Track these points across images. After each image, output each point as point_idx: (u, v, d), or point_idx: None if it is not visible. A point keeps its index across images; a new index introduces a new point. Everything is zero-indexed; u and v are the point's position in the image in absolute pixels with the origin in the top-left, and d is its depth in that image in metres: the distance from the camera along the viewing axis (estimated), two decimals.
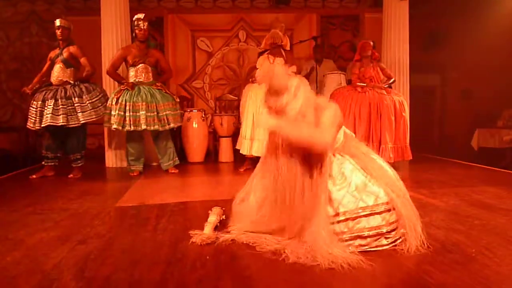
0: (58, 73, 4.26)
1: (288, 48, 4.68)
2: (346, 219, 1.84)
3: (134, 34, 4.47)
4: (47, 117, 4.02)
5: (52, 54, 4.37)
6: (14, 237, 2.18)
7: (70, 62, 4.29)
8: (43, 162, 4.36)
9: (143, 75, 4.44)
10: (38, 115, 4.08)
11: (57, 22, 4.28)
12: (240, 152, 4.53)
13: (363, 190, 1.87)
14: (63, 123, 4.04)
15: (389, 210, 1.85)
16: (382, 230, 1.84)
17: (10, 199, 3.20)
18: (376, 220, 1.83)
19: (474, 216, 2.47)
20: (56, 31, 4.27)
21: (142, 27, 4.37)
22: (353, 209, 1.84)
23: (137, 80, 4.42)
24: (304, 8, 7.01)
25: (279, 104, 1.86)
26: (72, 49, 4.31)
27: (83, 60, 4.31)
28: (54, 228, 2.36)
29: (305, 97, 1.89)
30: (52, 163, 4.35)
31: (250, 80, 4.75)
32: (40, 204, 3.00)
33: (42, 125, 4.05)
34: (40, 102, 4.10)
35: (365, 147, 2.12)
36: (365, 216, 1.83)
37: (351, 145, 2.07)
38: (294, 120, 1.84)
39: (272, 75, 1.90)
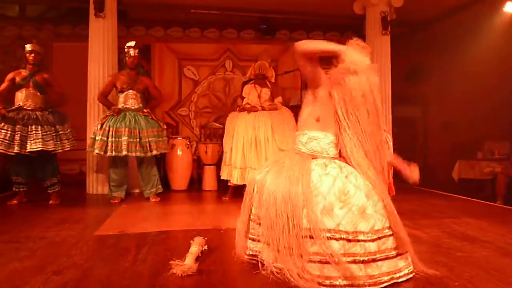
0: (31, 98, 4.13)
1: (273, 80, 4.80)
2: (342, 239, 1.81)
3: (124, 61, 4.52)
4: (36, 141, 3.93)
5: (16, 76, 4.18)
6: None
7: (44, 88, 4.23)
8: (14, 188, 4.22)
9: (131, 101, 4.45)
10: (18, 138, 3.91)
11: (29, 47, 4.19)
12: (230, 182, 4.46)
13: (362, 213, 1.85)
14: (53, 149, 4.02)
15: (380, 238, 1.85)
16: (376, 256, 1.82)
17: None
18: (371, 247, 1.81)
19: (456, 248, 2.49)
20: (28, 55, 4.17)
21: (132, 54, 4.43)
22: (350, 231, 1.81)
23: (124, 106, 4.42)
24: (289, 40, 7.17)
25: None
26: (46, 75, 4.25)
27: (57, 87, 4.29)
28: (29, 257, 2.27)
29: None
30: (24, 188, 4.24)
31: (237, 108, 4.74)
32: (15, 232, 2.90)
33: (33, 149, 3.92)
34: (19, 126, 3.95)
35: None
36: (362, 241, 1.80)
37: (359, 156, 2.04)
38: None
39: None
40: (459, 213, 3.76)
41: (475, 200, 4.60)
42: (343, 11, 6.13)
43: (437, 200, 4.58)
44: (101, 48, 5.01)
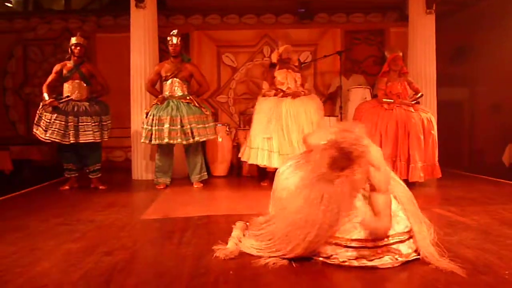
0: (77, 89, 4.32)
1: (296, 63, 4.78)
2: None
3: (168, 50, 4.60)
4: (87, 132, 4.16)
5: (63, 68, 4.36)
6: (43, 247, 2.24)
7: (88, 79, 4.41)
8: (66, 175, 4.47)
9: (175, 89, 4.53)
10: (72, 129, 4.13)
11: (74, 40, 4.35)
12: (254, 163, 4.51)
13: (394, 217, 1.93)
14: (100, 140, 4.27)
15: (410, 238, 1.95)
16: (410, 258, 1.91)
17: (40, 210, 3.30)
18: (403, 248, 1.90)
19: (506, 235, 2.38)
20: (74, 48, 4.33)
21: (174, 42, 4.48)
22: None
23: (169, 94, 4.52)
24: (328, 23, 7.01)
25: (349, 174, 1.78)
26: (90, 67, 4.45)
27: (101, 78, 4.46)
28: (81, 239, 2.41)
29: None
30: (76, 174, 4.47)
31: (266, 93, 4.71)
32: (68, 215, 3.08)
33: (86, 140, 4.16)
34: (71, 117, 4.15)
35: (388, 167, 2.08)
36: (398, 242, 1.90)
37: None
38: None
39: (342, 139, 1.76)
40: (509, 199, 3.59)
41: None
42: None
43: (486, 186, 4.38)
44: (142, 38, 5.14)
